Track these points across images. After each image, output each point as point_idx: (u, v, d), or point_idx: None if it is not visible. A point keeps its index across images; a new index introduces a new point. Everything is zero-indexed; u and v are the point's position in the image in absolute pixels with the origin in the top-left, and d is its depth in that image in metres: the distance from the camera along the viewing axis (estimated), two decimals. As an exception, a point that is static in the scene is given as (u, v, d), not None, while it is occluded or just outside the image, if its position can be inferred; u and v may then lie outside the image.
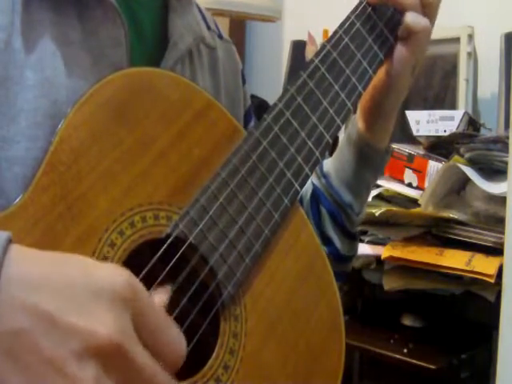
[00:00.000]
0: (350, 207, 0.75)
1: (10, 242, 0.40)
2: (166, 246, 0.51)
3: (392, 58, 0.69)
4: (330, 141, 0.63)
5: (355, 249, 0.80)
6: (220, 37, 0.75)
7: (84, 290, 0.39)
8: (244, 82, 0.77)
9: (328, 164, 0.77)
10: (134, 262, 0.50)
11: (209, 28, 0.73)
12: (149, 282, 0.49)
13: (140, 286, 0.41)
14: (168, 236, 0.52)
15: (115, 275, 0.41)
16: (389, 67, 0.70)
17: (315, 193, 0.77)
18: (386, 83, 0.71)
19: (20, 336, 0.37)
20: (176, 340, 0.43)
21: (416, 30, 0.67)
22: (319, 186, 0.77)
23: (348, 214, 0.75)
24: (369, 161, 0.74)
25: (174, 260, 0.52)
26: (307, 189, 0.78)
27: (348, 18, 0.67)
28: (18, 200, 0.47)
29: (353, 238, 0.78)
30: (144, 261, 0.50)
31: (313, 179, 0.78)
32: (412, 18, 0.67)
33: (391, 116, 0.73)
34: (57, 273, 0.40)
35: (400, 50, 0.69)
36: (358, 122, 0.74)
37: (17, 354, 0.37)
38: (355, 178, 0.75)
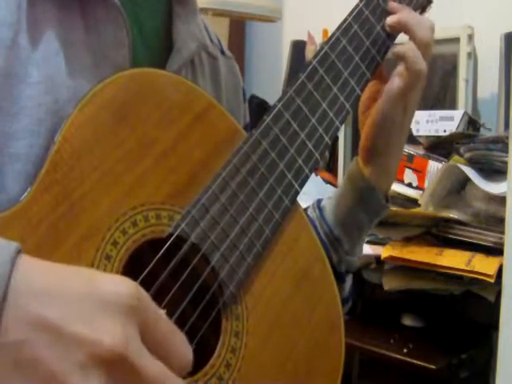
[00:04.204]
0: (338, 242, 0.75)
1: (19, 252, 0.40)
2: (167, 245, 0.52)
3: (385, 96, 0.70)
4: (329, 142, 0.64)
5: (341, 293, 0.75)
6: (222, 52, 0.75)
7: (90, 301, 0.39)
8: (245, 99, 0.77)
9: (326, 200, 0.78)
10: (136, 260, 0.51)
11: (211, 41, 0.73)
12: (150, 281, 0.50)
13: (146, 296, 0.41)
14: (170, 235, 0.52)
15: (121, 286, 0.40)
16: (379, 107, 0.71)
17: None
18: (376, 121, 0.72)
19: (24, 347, 0.37)
20: (182, 348, 0.43)
21: (418, 79, 0.68)
22: (313, 217, 0.77)
23: (336, 248, 0.75)
24: (364, 200, 0.74)
25: (176, 259, 0.52)
26: None
27: (345, 20, 0.67)
28: (21, 198, 0.47)
29: (339, 279, 0.75)
30: (146, 260, 0.51)
31: (308, 211, 0.78)
32: (417, 61, 0.68)
33: (387, 154, 0.74)
34: (63, 285, 0.40)
35: (391, 90, 0.69)
36: (358, 158, 0.75)
37: (20, 366, 0.37)
38: (348, 215, 0.75)
